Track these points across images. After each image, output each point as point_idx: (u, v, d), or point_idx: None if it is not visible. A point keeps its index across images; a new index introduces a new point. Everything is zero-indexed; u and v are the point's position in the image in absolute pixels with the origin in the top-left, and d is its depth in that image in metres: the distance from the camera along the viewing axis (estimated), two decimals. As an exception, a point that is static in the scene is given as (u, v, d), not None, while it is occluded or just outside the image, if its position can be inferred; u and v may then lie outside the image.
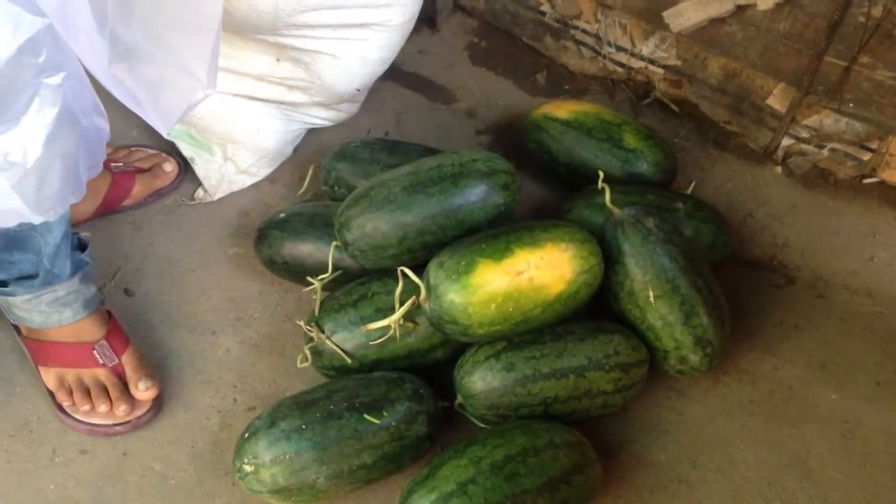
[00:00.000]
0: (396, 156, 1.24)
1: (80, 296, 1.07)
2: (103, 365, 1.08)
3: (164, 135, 0.90)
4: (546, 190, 1.37)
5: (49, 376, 1.08)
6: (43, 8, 0.70)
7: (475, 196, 1.04)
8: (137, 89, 0.82)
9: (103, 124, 0.85)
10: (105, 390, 1.07)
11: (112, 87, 0.80)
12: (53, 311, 1.06)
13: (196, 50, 0.80)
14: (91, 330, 1.09)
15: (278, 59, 1.23)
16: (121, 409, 1.06)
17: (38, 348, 1.09)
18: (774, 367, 1.16)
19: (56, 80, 0.73)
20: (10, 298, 1.05)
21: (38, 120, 0.73)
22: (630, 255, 1.04)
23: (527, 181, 1.35)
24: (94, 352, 1.08)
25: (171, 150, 1.36)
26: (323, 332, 1.06)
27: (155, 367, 1.13)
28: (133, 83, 0.81)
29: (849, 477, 1.06)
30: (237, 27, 1.17)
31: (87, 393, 1.07)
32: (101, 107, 0.84)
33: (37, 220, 0.79)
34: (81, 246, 1.11)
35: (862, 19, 1.15)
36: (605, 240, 1.06)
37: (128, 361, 1.09)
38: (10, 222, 0.80)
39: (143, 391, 1.07)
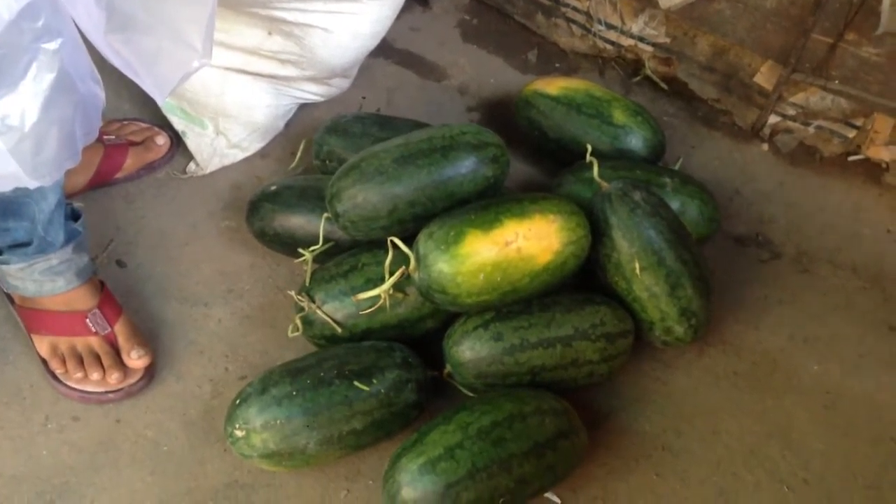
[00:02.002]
0: (388, 130, 1.25)
1: (73, 265, 1.08)
2: (96, 333, 1.09)
3: (160, 103, 0.90)
4: (536, 167, 1.38)
5: (42, 344, 1.09)
6: None
7: (465, 168, 1.05)
8: (133, 59, 0.82)
9: (99, 91, 0.85)
10: (98, 358, 1.08)
11: (109, 55, 0.81)
12: (47, 279, 1.07)
13: (192, 20, 0.81)
14: (84, 299, 1.10)
15: (270, 33, 1.23)
16: (113, 377, 1.07)
17: (31, 317, 1.10)
18: (758, 339, 1.18)
19: (54, 45, 0.74)
20: (4, 267, 1.06)
21: (36, 85, 0.74)
22: (617, 227, 1.05)
23: (517, 158, 1.36)
24: (87, 320, 1.09)
25: (164, 123, 1.37)
26: (314, 302, 1.07)
27: (147, 338, 1.14)
28: (129, 53, 0.82)
29: (830, 447, 1.08)
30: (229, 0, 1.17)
31: (79, 361, 1.08)
32: (97, 74, 0.85)
33: (33, 184, 0.80)
34: (74, 216, 1.11)
35: (848, -4, 1.16)
36: (593, 213, 1.07)
37: (120, 330, 1.10)
38: (6, 187, 0.81)
39: (136, 359, 1.08)
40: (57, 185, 1.02)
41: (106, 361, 1.08)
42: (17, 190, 0.96)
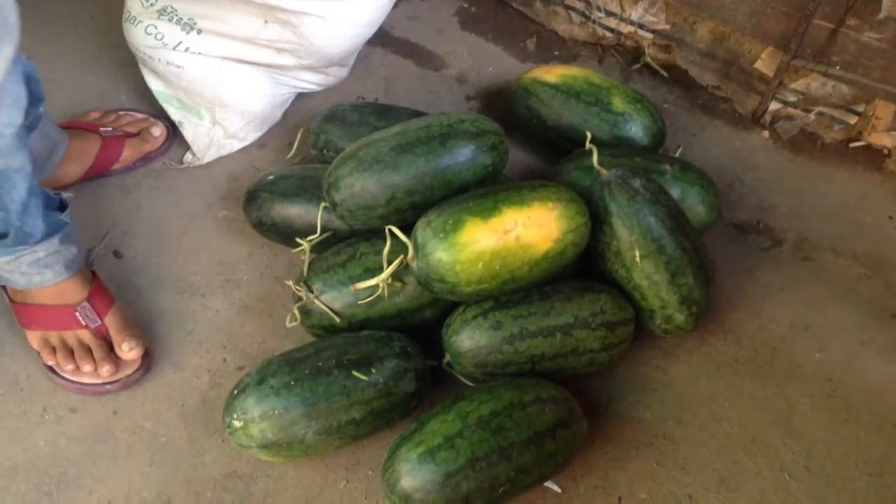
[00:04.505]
0: (386, 119, 1.24)
1: (61, 257, 1.07)
2: (86, 326, 1.08)
3: None
4: (535, 156, 1.37)
5: (34, 338, 1.09)
6: None
7: (463, 156, 1.05)
8: None
9: None
10: (89, 351, 1.08)
11: None
12: (35, 272, 1.06)
13: None
14: (73, 291, 1.09)
15: (266, 21, 1.22)
16: (104, 370, 1.06)
17: (22, 311, 1.09)
18: (759, 327, 1.17)
19: None
20: None
21: None
22: (617, 215, 1.04)
23: (516, 147, 1.35)
24: (77, 314, 1.08)
25: (160, 114, 1.36)
26: (312, 291, 1.07)
27: (144, 329, 1.13)
28: None
29: (831, 434, 1.08)
30: (225, -12, 1.17)
31: (70, 353, 1.07)
32: None
33: None
34: (61, 207, 1.10)
35: (849, -19, 1.15)
36: (593, 200, 1.06)
37: (111, 322, 1.09)
38: None
39: (128, 351, 1.07)
40: (24, 174, 1.00)
41: (97, 354, 1.07)
42: None
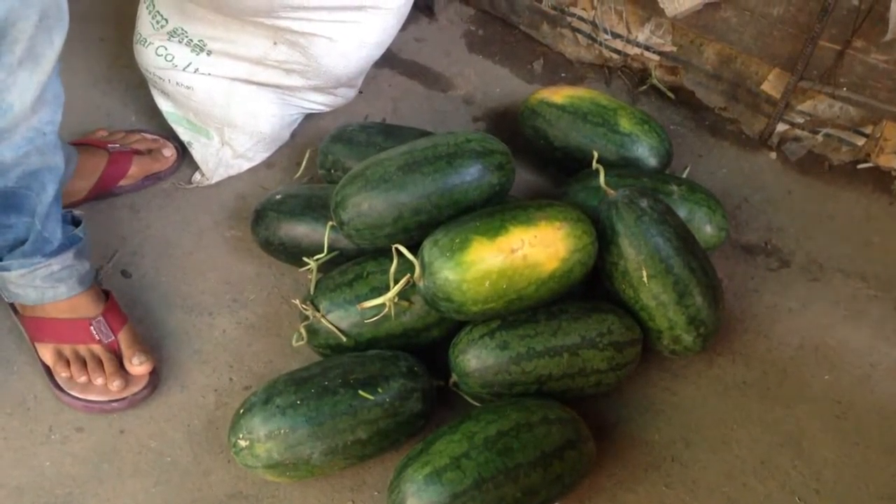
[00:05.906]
0: (393, 139, 1.24)
1: (75, 271, 1.08)
2: (99, 341, 1.09)
3: None
4: (542, 177, 1.37)
5: (45, 352, 1.09)
6: None
7: (470, 175, 1.05)
8: None
9: None
10: (101, 365, 1.08)
11: None
12: (48, 286, 1.06)
13: None
14: (87, 306, 1.09)
15: (275, 43, 1.23)
16: (115, 385, 1.06)
17: (34, 325, 1.10)
18: (768, 348, 1.17)
19: None
20: (5, 274, 1.05)
21: None
22: (624, 234, 1.04)
23: (522, 168, 1.35)
24: (91, 328, 1.08)
25: (170, 134, 1.37)
26: (318, 311, 1.07)
27: (152, 347, 1.13)
28: None
29: (842, 456, 1.06)
30: (234, 9, 1.18)
31: (83, 365, 1.08)
32: None
33: None
34: (75, 222, 1.11)
35: (855, 2, 1.16)
36: (600, 220, 1.06)
37: (123, 338, 1.10)
38: None
39: (138, 366, 1.08)
40: (56, 176, 1.01)
41: (108, 368, 1.07)
42: (19, 181, 0.96)
